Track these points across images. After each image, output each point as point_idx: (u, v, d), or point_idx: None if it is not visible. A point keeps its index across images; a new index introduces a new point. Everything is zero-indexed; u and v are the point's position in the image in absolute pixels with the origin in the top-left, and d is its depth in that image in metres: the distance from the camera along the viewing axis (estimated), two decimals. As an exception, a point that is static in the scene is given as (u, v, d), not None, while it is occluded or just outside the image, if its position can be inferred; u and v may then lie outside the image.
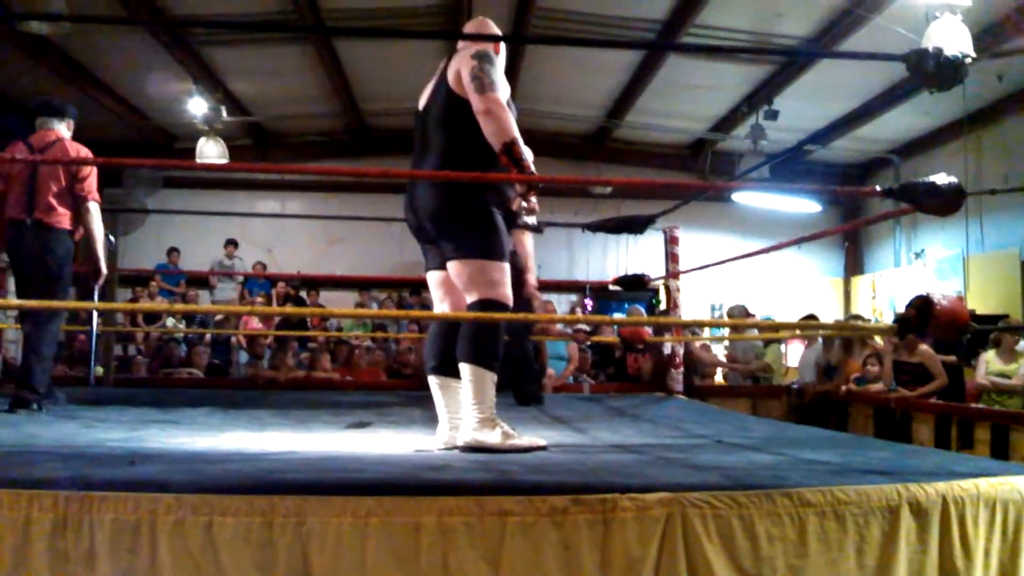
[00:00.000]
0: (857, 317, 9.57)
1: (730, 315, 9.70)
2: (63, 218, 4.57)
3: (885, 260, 12.39)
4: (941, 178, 2.77)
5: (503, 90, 3.08)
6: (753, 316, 9.76)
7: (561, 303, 11.54)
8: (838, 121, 10.56)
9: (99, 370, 6.86)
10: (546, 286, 10.48)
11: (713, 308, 12.38)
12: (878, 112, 9.95)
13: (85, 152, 4.67)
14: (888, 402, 6.87)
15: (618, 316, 10.59)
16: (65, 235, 4.59)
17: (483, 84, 3.02)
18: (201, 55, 9.16)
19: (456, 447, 3.04)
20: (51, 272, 4.51)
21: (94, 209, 4.62)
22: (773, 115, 9.69)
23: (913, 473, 2.41)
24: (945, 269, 10.65)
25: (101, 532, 1.97)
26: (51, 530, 1.96)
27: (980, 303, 9.30)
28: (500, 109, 3.01)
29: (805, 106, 9.91)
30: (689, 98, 10.41)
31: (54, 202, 4.53)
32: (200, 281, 11.16)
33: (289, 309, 9.20)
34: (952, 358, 7.07)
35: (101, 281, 4.79)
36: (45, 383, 4.48)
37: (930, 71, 2.70)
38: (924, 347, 6.90)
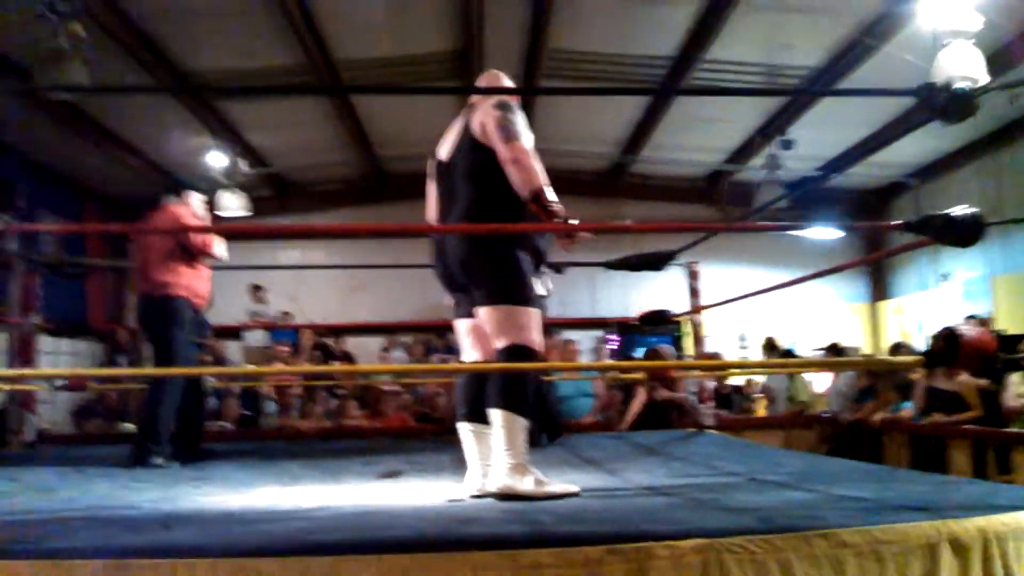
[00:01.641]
0: (900, 345, 9.45)
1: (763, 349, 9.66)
2: (167, 285, 4.80)
3: (911, 284, 12.21)
4: (960, 209, 2.73)
5: (528, 138, 3.13)
6: (779, 347, 9.70)
7: (585, 340, 11.48)
8: (853, 148, 10.53)
9: (128, 426, 6.91)
10: (570, 324, 10.52)
11: (741, 339, 12.26)
12: (893, 137, 9.89)
13: (176, 216, 4.98)
14: (922, 429, 6.78)
15: (641, 352, 10.52)
16: (169, 301, 4.80)
17: (510, 133, 3.08)
18: (218, 109, 9.30)
19: (488, 494, 3.03)
20: (159, 338, 4.80)
21: (215, 252, 4.94)
22: (788, 144, 9.68)
23: (951, 508, 2.38)
24: (973, 291, 10.53)
25: (139, 600, 1.98)
26: (90, 600, 1.98)
27: (1009, 323, 9.17)
28: (527, 158, 3.06)
29: (820, 134, 9.89)
30: (703, 131, 10.43)
31: (156, 271, 4.81)
32: (227, 332, 11.19)
33: (319, 368, 9.23)
34: (985, 382, 6.95)
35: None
36: (165, 438, 4.70)
37: (940, 105, 2.69)
38: (964, 376, 6.80)
